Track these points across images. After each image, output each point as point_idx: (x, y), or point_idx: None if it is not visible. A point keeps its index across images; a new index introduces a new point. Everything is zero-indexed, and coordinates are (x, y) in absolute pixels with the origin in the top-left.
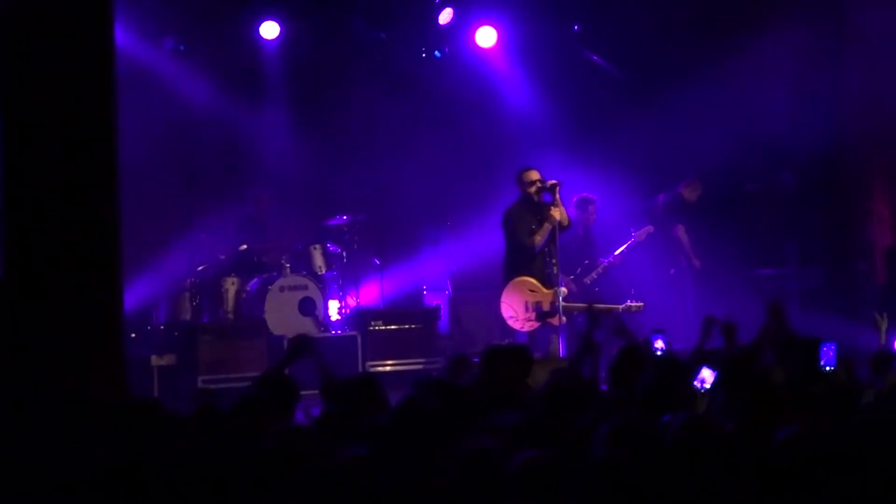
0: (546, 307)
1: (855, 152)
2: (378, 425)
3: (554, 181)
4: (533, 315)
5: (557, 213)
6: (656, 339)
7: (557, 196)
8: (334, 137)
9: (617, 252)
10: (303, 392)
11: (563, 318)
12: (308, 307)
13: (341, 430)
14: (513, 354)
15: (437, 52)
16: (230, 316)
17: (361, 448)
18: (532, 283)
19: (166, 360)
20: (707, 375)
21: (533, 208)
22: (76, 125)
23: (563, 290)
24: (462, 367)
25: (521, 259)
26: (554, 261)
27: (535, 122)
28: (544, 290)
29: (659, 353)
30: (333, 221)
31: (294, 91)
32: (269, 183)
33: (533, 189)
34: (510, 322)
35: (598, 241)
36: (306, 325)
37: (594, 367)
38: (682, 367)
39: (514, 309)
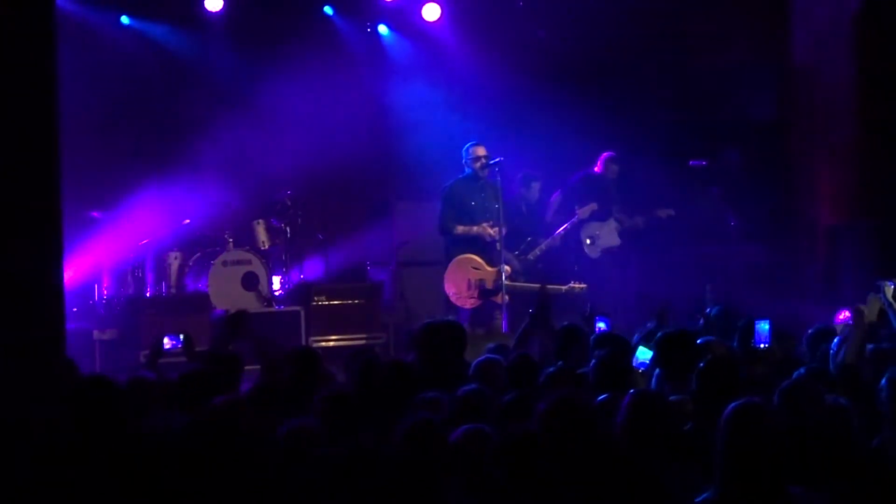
0: (489, 285)
1: (797, 128)
2: (327, 396)
3: (499, 158)
4: (476, 293)
5: (494, 232)
6: (599, 320)
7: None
8: (278, 112)
9: (559, 230)
10: (247, 367)
11: (506, 297)
12: (251, 282)
13: (284, 402)
14: (447, 330)
15: (381, 27)
16: (173, 290)
17: (310, 419)
18: (476, 260)
19: (108, 334)
20: (643, 355)
21: (475, 185)
22: (12, 92)
23: (507, 268)
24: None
25: (463, 236)
26: (498, 238)
27: (483, 97)
28: (487, 268)
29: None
30: (277, 196)
31: (237, 65)
32: (212, 157)
33: (478, 165)
34: (453, 299)
35: (542, 219)
36: (249, 300)
37: (545, 347)
38: (624, 346)
39: (457, 286)
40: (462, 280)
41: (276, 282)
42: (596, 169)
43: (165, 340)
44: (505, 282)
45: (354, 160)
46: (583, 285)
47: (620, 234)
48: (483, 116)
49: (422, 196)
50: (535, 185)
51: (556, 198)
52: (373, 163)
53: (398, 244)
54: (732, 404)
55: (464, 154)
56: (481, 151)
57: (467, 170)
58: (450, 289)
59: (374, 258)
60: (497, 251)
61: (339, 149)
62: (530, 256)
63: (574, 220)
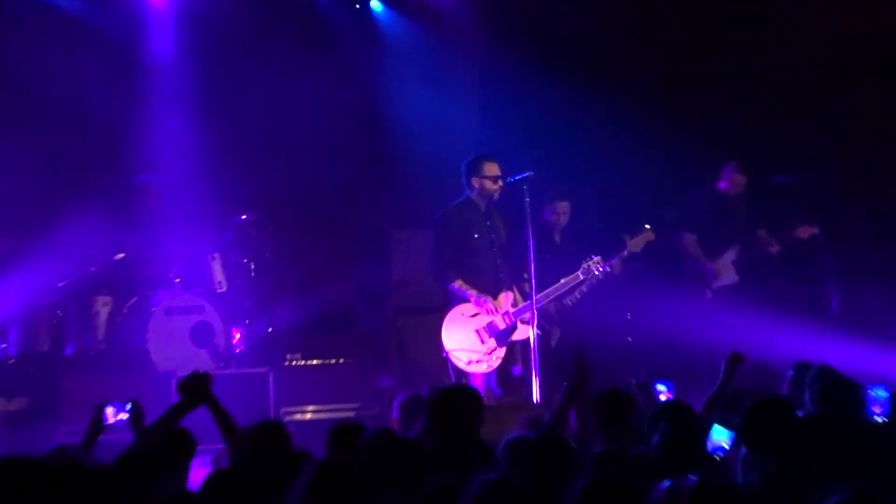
0: (502, 323)
1: None
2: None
3: (527, 173)
4: (494, 343)
5: (503, 304)
6: (660, 383)
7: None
8: (242, 114)
9: (605, 265)
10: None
11: (532, 330)
12: (204, 335)
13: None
14: (461, 398)
15: (373, 3)
16: (102, 346)
17: None
18: (466, 307)
19: (16, 403)
20: (721, 436)
21: (477, 213)
22: None
23: (505, 296)
24: (413, 412)
25: (453, 270)
26: (525, 275)
27: (503, 94)
28: (486, 300)
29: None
30: (238, 223)
31: (189, 55)
32: (157, 171)
33: (489, 186)
34: (467, 366)
35: (579, 251)
36: (201, 359)
37: (583, 421)
38: (695, 420)
39: (468, 350)
40: (468, 336)
41: (237, 335)
42: (720, 184)
43: (109, 411)
44: (532, 331)
45: (339, 175)
46: (600, 264)
47: (743, 267)
48: (504, 119)
49: (426, 222)
50: (562, 206)
51: (689, 241)
52: (363, 179)
53: (396, 284)
54: (839, 497)
55: (465, 170)
56: (493, 169)
57: (468, 192)
58: (458, 356)
59: (364, 303)
60: (524, 289)
61: (319, 161)
62: (568, 301)
63: (623, 252)
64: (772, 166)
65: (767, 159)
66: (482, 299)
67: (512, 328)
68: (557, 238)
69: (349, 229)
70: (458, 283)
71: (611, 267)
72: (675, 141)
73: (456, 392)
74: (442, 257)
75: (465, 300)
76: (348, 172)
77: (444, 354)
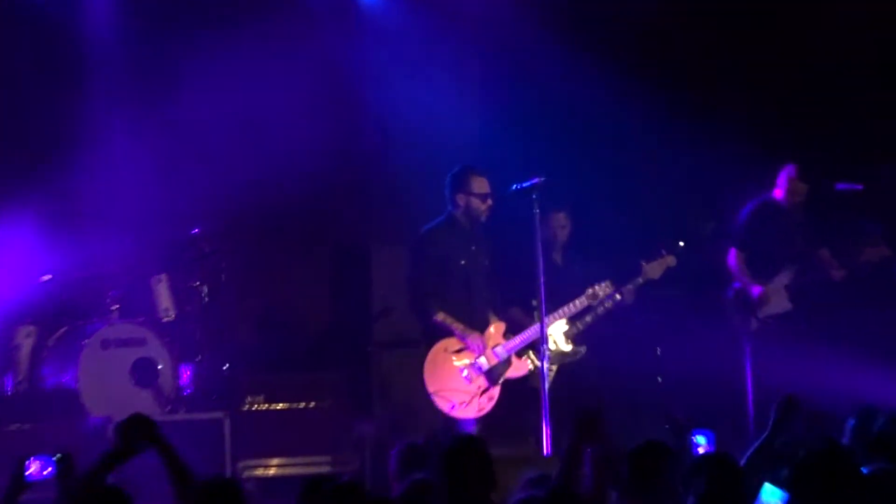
0: (493, 358)
1: None
2: None
3: (535, 180)
4: (484, 382)
5: (492, 341)
6: (699, 434)
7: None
8: (195, 111)
9: (611, 293)
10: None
11: (530, 361)
12: (146, 373)
13: None
14: (466, 452)
15: None
16: (24, 385)
17: None
18: (449, 343)
19: None
20: (772, 497)
21: (461, 235)
22: None
23: (495, 328)
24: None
25: (435, 301)
26: (534, 301)
27: (515, 87)
28: (474, 335)
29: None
30: (189, 238)
31: (130, 40)
32: (89, 178)
33: (476, 206)
34: (455, 412)
35: (581, 271)
36: (143, 401)
37: (600, 474)
38: (739, 477)
39: (453, 391)
40: (453, 376)
41: (186, 373)
42: (775, 193)
43: (33, 466)
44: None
45: (312, 182)
46: (609, 290)
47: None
48: (507, 117)
49: (404, 235)
50: (559, 219)
51: (736, 260)
52: (341, 187)
53: (378, 313)
54: None
55: (450, 185)
56: (482, 185)
57: (451, 209)
58: (442, 401)
59: (340, 335)
60: (533, 312)
61: (288, 165)
62: (577, 326)
63: (637, 279)
64: (834, 171)
65: (828, 163)
66: (469, 334)
67: (504, 364)
68: (558, 258)
69: (323, 247)
70: (440, 316)
71: (621, 294)
72: (715, 140)
73: (466, 450)
74: (421, 286)
75: (449, 334)
76: (323, 179)
77: (429, 394)
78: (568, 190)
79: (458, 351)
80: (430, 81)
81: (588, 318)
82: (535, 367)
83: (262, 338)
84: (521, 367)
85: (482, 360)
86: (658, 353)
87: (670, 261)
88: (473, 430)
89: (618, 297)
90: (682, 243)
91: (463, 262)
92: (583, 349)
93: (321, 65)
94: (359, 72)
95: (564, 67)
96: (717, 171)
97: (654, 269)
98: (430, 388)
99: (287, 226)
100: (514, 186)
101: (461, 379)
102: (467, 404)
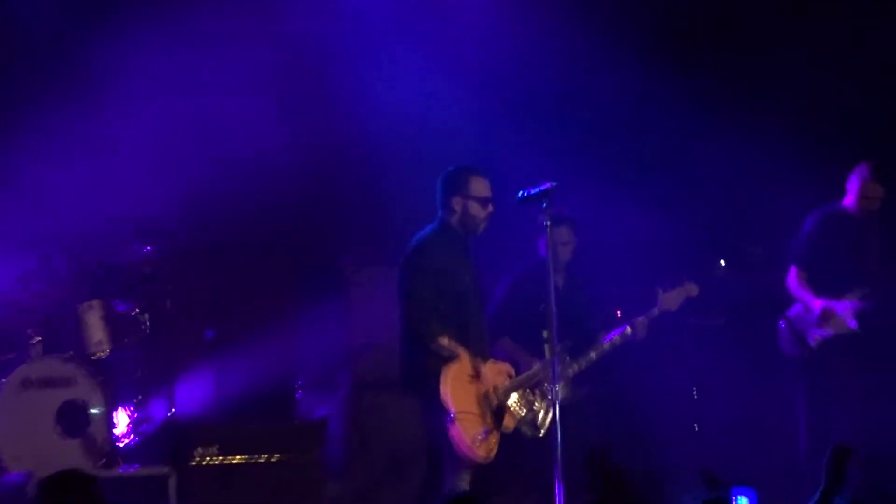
0: (496, 398)
1: None
2: None
3: (547, 185)
4: (491, 422)
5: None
6: (739, 493)
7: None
8: (133, 102)
9: (636, 320)
10: None
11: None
12: (75, 419)
13: None
14: None
15: None
16: None
17: None
18: (464, 365)
19: None
20: None
21: (460, 251)
22: None
23: (500, 366)
24: None
25: (439, 322)
26: (545, 333)
27: (516, 81)
28: (486, 372)
29: None
30: (125, 257)
31: (60, 18)
32: (5, 183)
33: (476, 214)
34: (476, 450)
35: (585, 296)
36: (71, 454)
37: None
38: None
39: (476, 419)
40: (475, 402)
41: (123, 419)
42: (844, 201)
43: None
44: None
45: (276, 191)
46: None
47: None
48: (511, 112)
49: (395, 258)
50: (562, 234)
51: (797, 279)
52: (310, 199)
53: (355, 347)
54: None
55: (443, 187)
56: (482, 187)
57: (444, 215)
58: (466, 428)
59: (309, 374)
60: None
61: (246, 170)
62: (576, 365)
63: (653, 310)
64: None
65: None
66: (478, 363)
67: (500, 411)
68: (560, 281)
69: (289, 267)
70: (445, 340)
71: (633, 328)
72: (760, 140)
73: None
74: (422, 306)
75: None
76: (289, 187)
77: (450, 418)
78: (572, 199)
79: (473, 377)
80: (419, 72)
81: (592, 355)
82: (527, 412)
83: (216, 377)
84: (510, 423)
85: (490, 397)
86: (694, 395)
87: (691, 289)
88: (465, 480)
89: (629, 331)
90: (722, 262)
91: (467, 280)
92: (583, 391)
93: (286, 56)
94: (332, 65)
95: (574, 52)
96: (764, 178)
97: (671, 300)
98: (456, 408)
99: (245, 243)
100: (521, 193)
101: (485, 407)
102: (484, 440)
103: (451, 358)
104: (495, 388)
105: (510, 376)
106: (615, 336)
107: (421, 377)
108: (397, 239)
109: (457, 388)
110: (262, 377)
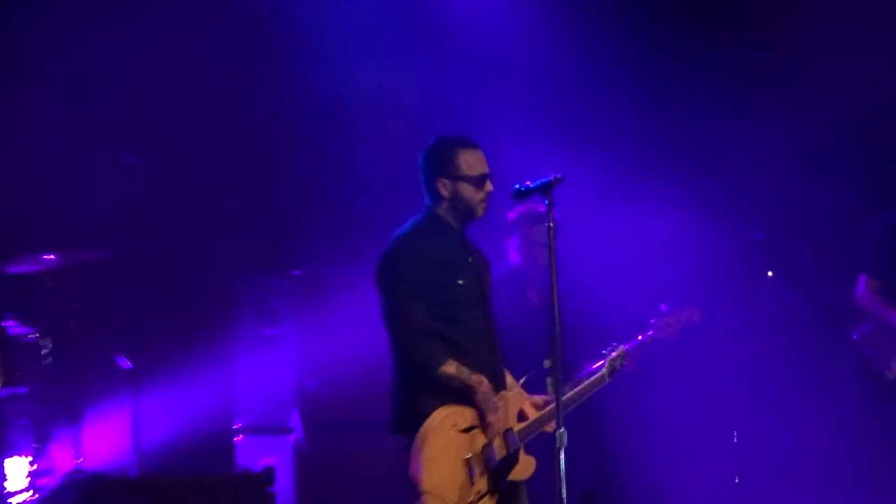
0: (503, 448)
1: None
2: None
3: (553, 175)
4: (485, 486)
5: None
6: None
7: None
8: (26, 73)
9: (640, 340)
10: None
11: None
12: None
13: None
14: None
15: None
16: None
17: None
18: (458, 414)
19: None
20: None
21: (455, 247)
22: None
23: (515, 397)
24: None
25: (437, 344)
26: (546, 362)
27: (513, 56)
28: (497, 404)
29: None
30: (20, 268)
31: None
32: None
33: (480, 194)
34: None
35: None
36: None
37: None
38: None
39: (451, 495)
40: (455, 473)
41: (19, 468)
42: None
43: None
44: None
45: (212, 189)
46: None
47: None
48: (513, 93)
49: (369, 260)
50: (537, 234)
51: (867, 289)
52: (255, 194)
53: (310, 380)
54: None
55: (426, 165)
56: (477, 162)
57: (431, 203)
58: (432, 498)
59: (252, 414)
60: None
61: (174, 165)
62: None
63: (646, 336)
64: None
65: None
66: (491, 401)
67: (513, 459)
68: (534, 297)
69: (225, 280)
70: (451, 367)
71: (621, 356)
72: (812, 119)
73: None
74: (415, 328)
75: (458, 399)
76: (227, 180)
77: (417, 497)
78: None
79: (469, 430)
80: (382, 48)
81: (571, 393)
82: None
83: (135, 418)
84: (527, 467)
85: (496, 447)
86: (735, 438)
87: (693, 315)
88: None
89: (617, 359)
90: (770, 273)
91: (461, 283)
92: (563, 433)
93: (230, 18)
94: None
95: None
96: (812, 168)
97: (667, 327)
98: (425, 485)
99: (171, 251)
100: (519, 186)
101: (466, 478)
102: None
103: (464, 390)
104: (507, 434)
105: (526, 411)
106: (597, 371)
107: (419, 419)
108: (367, 238)
109: (438, 451)
110: (193, 418)
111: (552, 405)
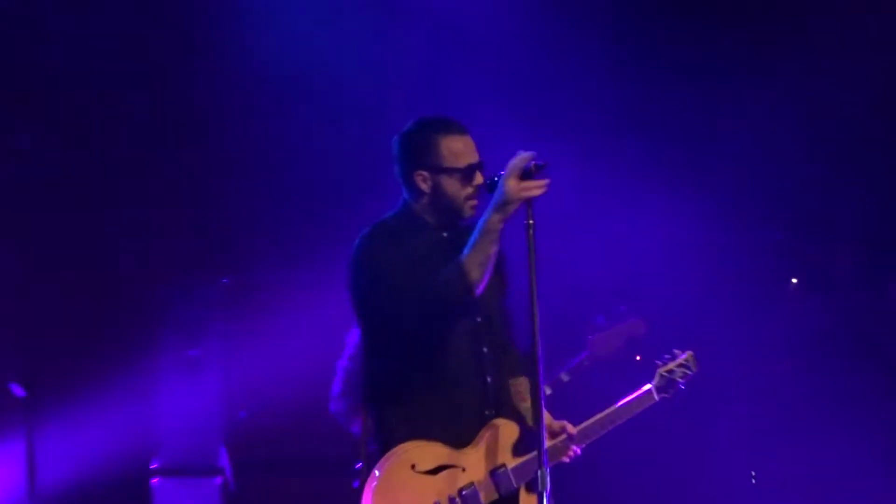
0: (492, 491)
1: None
2: None
3: (535, 162)
4: None
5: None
6: None
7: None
8: None
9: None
10: None
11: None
12: None
13: None
14: None
15: None
16: None
17: None
18: (417, 452)
19: None
20: None
21: (436, 250)
22: None
23: (503, 430)
24: None
25: (405, 374)
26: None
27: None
28: (470, 455)
29: None
30: None
31: None
32: None
33: (468, 190)
34: None
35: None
36: None
37: None
38: None
39: None
40: None
41: None
42: None
43: None
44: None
45: (126, 177)
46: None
47: None
48: (497, 78)
49: (311, 265)
50: None
51: None
52: (185, 187)
53: (239, 412)
54: None
55: (402, 154)
56: (464, 149)
57: (408, 197)
58: None
59: (171, 452)
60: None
61: (84, 152)
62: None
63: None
64: None
65: None
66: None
67: (509, 499)
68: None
69: (139, 292)
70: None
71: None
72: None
73: None
74: (413, 289)
75: (419, 433)
76: (147, 167)
77: None
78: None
79: (435, 471)
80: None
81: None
82: None
83: (29, 455)
84: None
85: (482, 491)
86: (753, 479)
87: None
88: None
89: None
90: (794, 281)
91: None
92: (544, 473)
93: None
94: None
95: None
96: (833, 159)
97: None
98: None
99: (77, 257)
100: (493, 178)
101: None
102: None
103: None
104: (498, 467)
105: (516, 449)
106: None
107: (381, 448)
108: (309, 238)
109: (393, 495)
110: (101, 456)
111: (563, 435)
